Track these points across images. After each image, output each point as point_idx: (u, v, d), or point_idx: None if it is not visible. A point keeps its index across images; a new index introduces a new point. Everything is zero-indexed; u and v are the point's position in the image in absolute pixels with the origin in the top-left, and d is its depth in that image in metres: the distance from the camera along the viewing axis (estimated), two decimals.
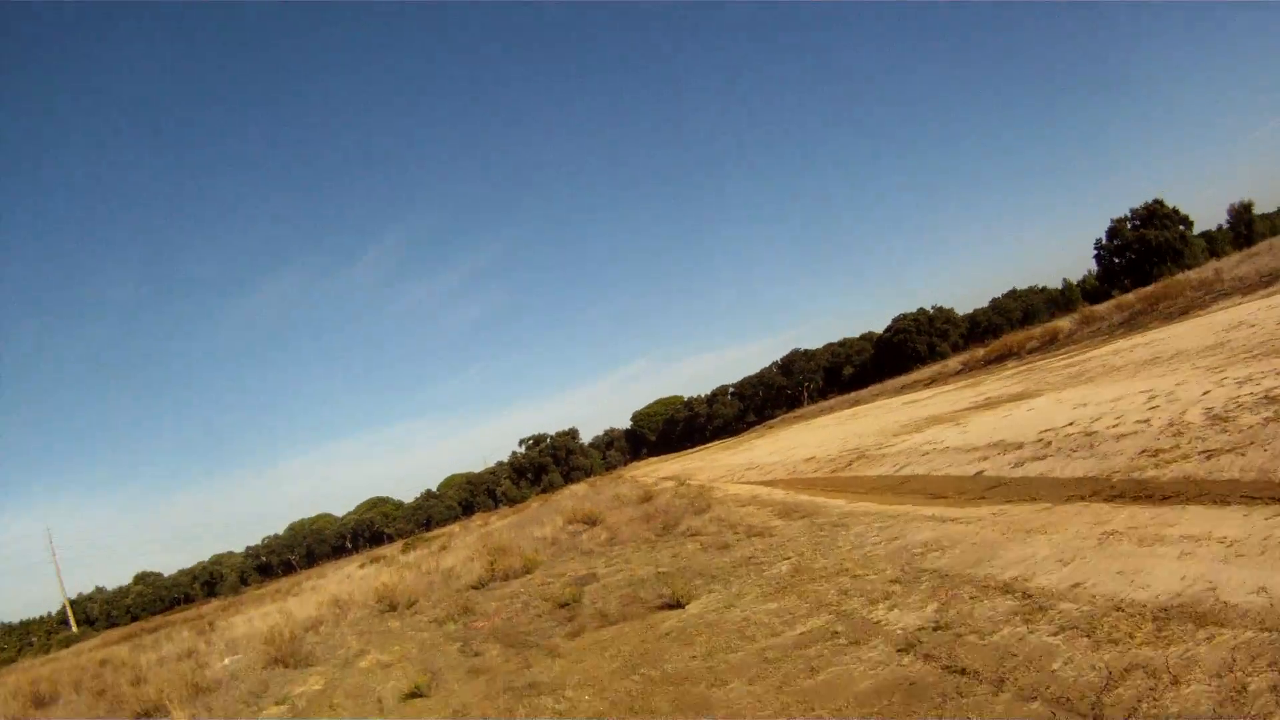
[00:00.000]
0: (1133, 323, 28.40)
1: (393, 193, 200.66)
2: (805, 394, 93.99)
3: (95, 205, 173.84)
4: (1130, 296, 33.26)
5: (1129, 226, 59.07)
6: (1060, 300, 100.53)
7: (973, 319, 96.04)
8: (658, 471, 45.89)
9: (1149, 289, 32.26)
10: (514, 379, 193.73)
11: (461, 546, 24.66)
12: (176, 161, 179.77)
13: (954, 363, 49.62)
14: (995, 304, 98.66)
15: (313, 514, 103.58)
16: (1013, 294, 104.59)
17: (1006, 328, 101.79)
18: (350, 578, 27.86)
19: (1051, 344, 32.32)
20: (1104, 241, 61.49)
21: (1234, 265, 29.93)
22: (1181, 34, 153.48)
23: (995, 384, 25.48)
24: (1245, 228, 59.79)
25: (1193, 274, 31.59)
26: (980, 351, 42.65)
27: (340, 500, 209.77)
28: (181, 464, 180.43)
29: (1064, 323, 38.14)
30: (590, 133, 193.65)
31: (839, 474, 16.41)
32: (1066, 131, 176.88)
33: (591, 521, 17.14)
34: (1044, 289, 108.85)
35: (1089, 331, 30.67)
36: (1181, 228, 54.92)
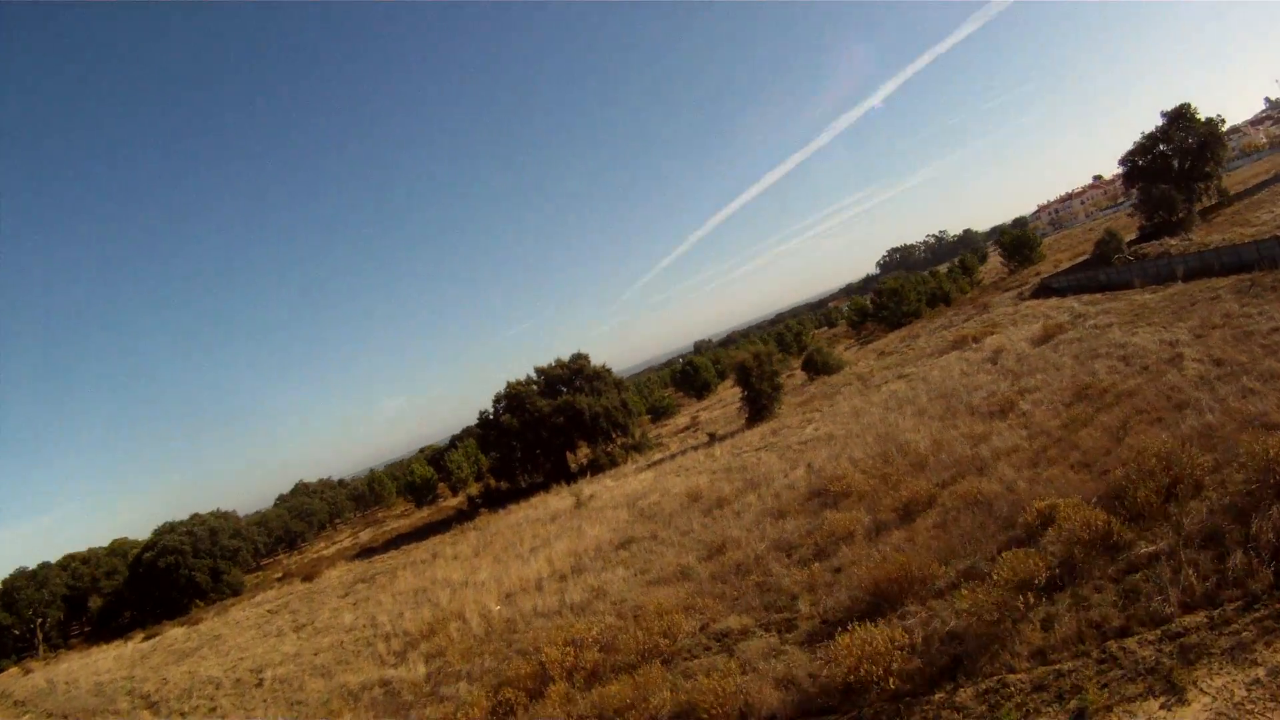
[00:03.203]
0: None
1: None
2: (39, 637, 59.01)
3: None
4: None
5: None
6: (403, 489, 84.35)
7: (266, 526, 69.58)
8: None
9: None
10: None
11: None
12: None
13: None
14: (288, 503, 74.65)
15: None
16: (324, 484, 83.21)
17: (309, 533, 78.76)
18: None
19: None
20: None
21: None
22: None
23: None
24: None
25: None
26: None
27: None
28: None
29: None
30: None
31: None
32: None
33: None
34: (344, 481, 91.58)
35: None
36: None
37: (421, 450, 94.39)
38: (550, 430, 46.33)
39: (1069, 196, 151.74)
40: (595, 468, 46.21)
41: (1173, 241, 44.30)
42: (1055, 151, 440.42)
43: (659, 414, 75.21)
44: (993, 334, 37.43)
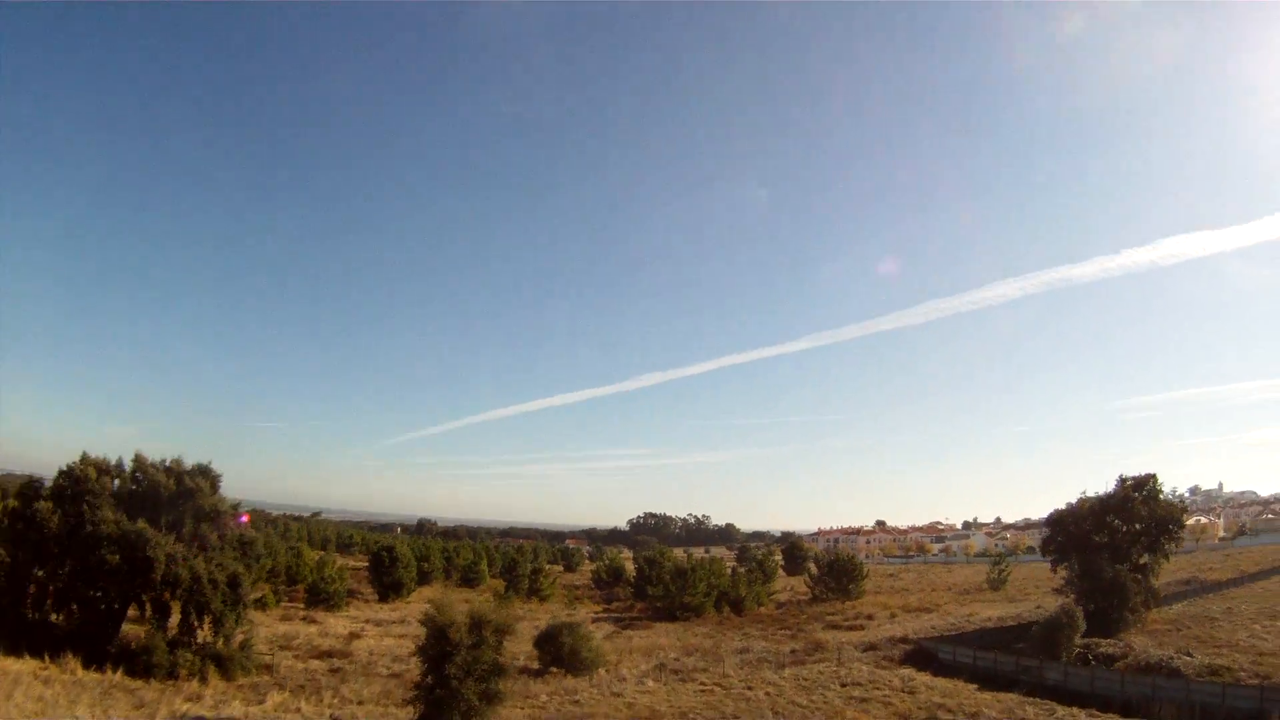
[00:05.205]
0: None
1: None
2: None
3: None
4: None
5: None
6: None
7: None
8: None
9: None
10: None
11: None
12: None
13: None
14: None
15: None
16: None
17: None
18: None
19: None
20: None
21: None
22: None
23: None
24: None
25: None
26: None
27: None
28: None
29: None
30: None
31: None
32: None
33: None
34: None
35: None
36: None
37: None
38: (97, 567, 25.10)
39: (855, 531, 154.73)
40: (142, 665, 25.49)
41: (1171, 652, 34.22)
42: (840, 482, 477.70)
43: (317, 599, 53.48)
44: None
